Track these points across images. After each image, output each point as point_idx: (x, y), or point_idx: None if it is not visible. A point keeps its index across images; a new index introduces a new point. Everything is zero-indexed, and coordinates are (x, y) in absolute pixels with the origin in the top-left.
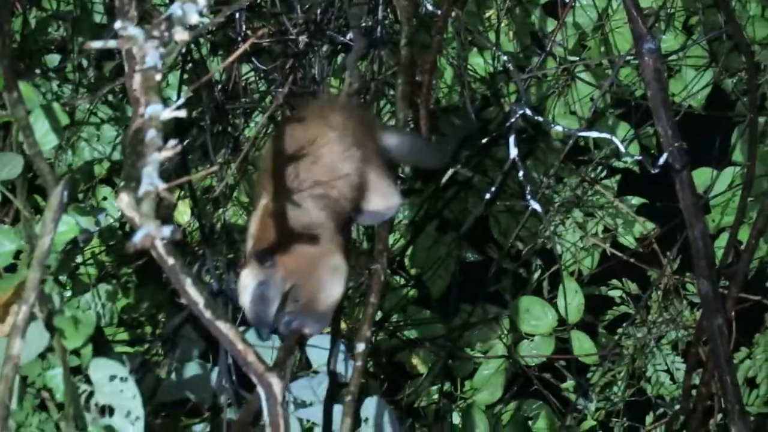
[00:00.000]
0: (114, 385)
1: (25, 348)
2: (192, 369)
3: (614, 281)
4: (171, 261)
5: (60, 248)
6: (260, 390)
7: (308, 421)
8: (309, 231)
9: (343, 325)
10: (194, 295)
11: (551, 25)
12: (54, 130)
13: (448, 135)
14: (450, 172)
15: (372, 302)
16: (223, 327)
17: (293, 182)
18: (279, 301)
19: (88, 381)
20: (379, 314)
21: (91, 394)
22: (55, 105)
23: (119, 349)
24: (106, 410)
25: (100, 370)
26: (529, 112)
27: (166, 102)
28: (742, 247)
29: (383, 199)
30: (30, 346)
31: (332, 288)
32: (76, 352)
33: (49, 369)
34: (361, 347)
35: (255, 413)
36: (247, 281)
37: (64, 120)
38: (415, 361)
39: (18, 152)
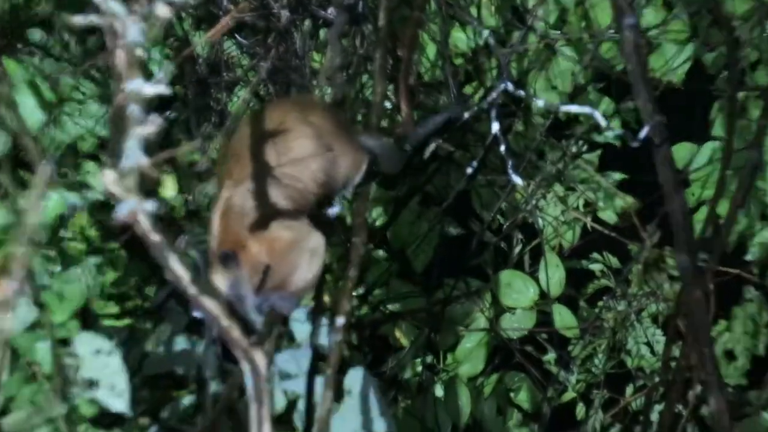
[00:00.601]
0: (99, 360)
1: (14, 322)
2: (178, 342)
3: (595, 255)
4: (155, 236)
5: (47, 223)
6: (244, 364)
7: (292, 392)
8: (277, 218)
9: (326, 299)
10: (179, 270)
11: (533, 0)
12: (39, 106)
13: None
14: (432, 146)
15: (351, 275)
16: (208, 303)
17: (261, 170)
18: (252, 293)
19: (75, 355)
20: (363, 288)
21: (77, 367)
22: (39, 81)
23: (107, 322)
24: (91, 384)
25: (86, 344)
26: (510, 87)
27: (149, 77)
28: (721, 221)
29: (353, 166)
30: (18, 320)
31: (307, 269)
32: (63, 326)
33: (37, 342)
34: (340, 321)
35: (239, 387)
36: (218, 285)
37: (51, 97)
38: (398, 334)
39: (2, 129)
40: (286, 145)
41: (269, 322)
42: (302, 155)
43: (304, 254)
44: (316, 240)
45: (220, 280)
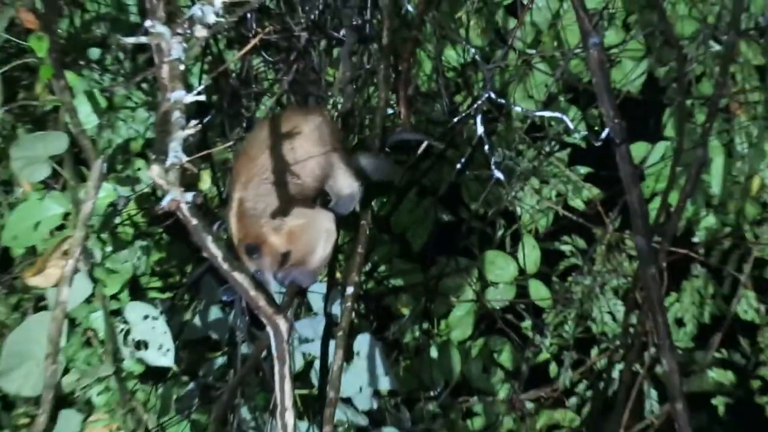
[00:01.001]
0: (147, 323)
1: (73, 295)
2: (213, 312)
3: (565, 237)
4: (194, 221)
5: (101, 211)
6: (269, 330)
7: (309, 354)
8: (289, 209)
9: (338, 275)
10: (214, 250)
11: (512, 23)
12: (95, 112)
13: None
14: (424, 145)
15: (359, 252)
16: (239, 277)
17: (269, 168)
18: (274, 279)
19: (126, 321)
20: (369, 266)
21: (127, 332)
22: (96, 91)
23: (152, 295)
24: (141, 345)
25: (135, 311)
26: (493, 96)
27: (189, 88)
28: (672, 209)
29: (348, 188)
30: (76, 294)
31: (323, 248)
32: (115, 298)
33: (93, 312)
34: (350, 290)
35: (265, 349)
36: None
37: (103, 104)
38: (399, 304)
39: (64, 131)
40: (290, 146)
41: (291, 294)
42: (303, 154)
43: (320, 235)
44: (328, 221)
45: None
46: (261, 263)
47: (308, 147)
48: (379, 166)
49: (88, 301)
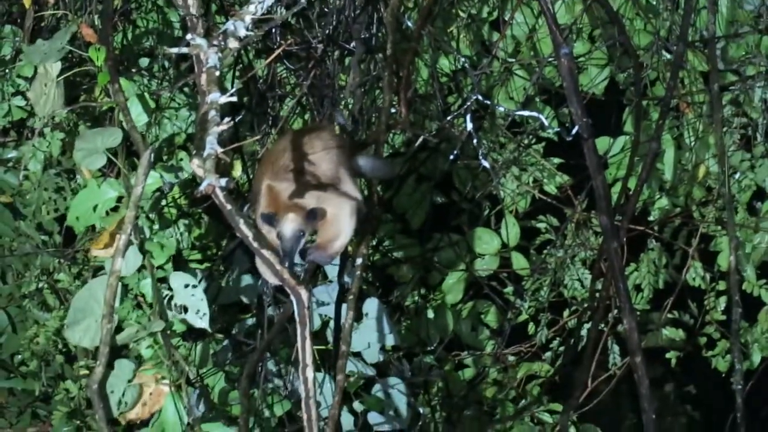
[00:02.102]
0: (188, 291)
1: (126, 265)
2: (244, 280)
3: (541, 216)
4: (228, 207)
5: (149, 195)
6: (292, 297)
7: (325, 315)
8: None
9: (349, 249)
10: (245, 230)
11: (496, 36)
12: (144, 112)
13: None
14: (420, 138)
15: (367, 228)
16: (266, 253)
17: (290, 168)
18: (304, 240)
19: (170, 288)
20: (375, 241)
21: (171, 297)
22: (145, 94)
23: (193, 265)
24: (182, 309)
25: (178, 280)
26: (480, 97)
27: (223, 91)
28: (631, 192)
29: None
30: (129, 264)
31: (344, 238)
32: (162, 268)
33: (143, 279)
34: (359, 261)
35: (289, 314)
36: (289, 226)
37: (151, 104)
38: (400, 273)
39: (119, 127)
40: (307, 152)
41: (311, 270)
42: (318, 158)
43: (344, 228)
44: (352, 205)
45: (295, 225)
46: (282, 228)
47: (322, 155)
48: (377, 166)
49: (139, 270)
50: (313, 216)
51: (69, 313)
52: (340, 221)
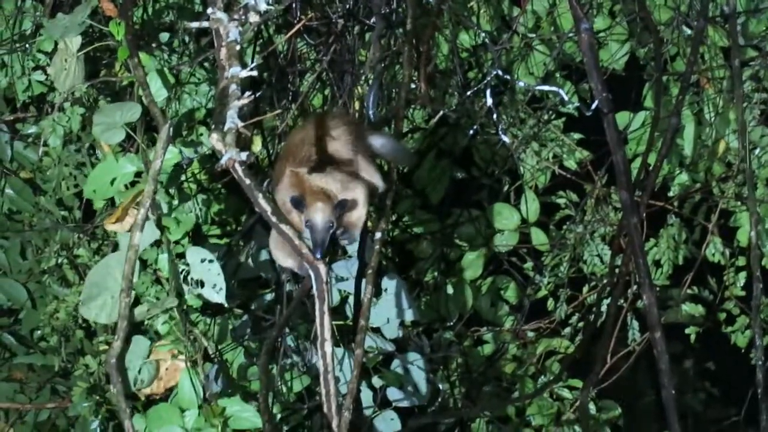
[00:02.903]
0: (204, 266)
1: (143, 239)
2: (263, 255)
3: (561, 192)
4: (247, 182)
5: (168, 169)
6: (311, 273)
7: (344, 290)
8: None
9: (369, 224)
10: (264, 204)
11: (516, 11)
12: (164, 87)
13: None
14: (440, 113)
15: (387, 204)
16: (285, 228)
17: (311, 156)
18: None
19: (187, 263)
20: (395, 216)
21: (188, 272)
22: (165, 69)
23: (212, 241)
24: (198, 284)
25: (194, 254)
26: (500, 73)
27: (243, 66)
28: (651, 168)
29: (371, 179)
30: (146, 238)
31: (364, 216)
32: (179, 243)
33: (160, 254)
34: (378, 236)
35: (308, 289)
36: (320, 217)
37: (171, 79)
38: (420, 248)
39: (138, 102)
40: (326, 140)
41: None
42: (336, 147)
43: (364, 211)
44: (365, 191)
45: (326, 213)
46: (312, 218)
47: (340, 144)
48: (394, 148)
49: (157, 244)
50: (342, 207)
51: (84, 288)
52: (360, 205)
